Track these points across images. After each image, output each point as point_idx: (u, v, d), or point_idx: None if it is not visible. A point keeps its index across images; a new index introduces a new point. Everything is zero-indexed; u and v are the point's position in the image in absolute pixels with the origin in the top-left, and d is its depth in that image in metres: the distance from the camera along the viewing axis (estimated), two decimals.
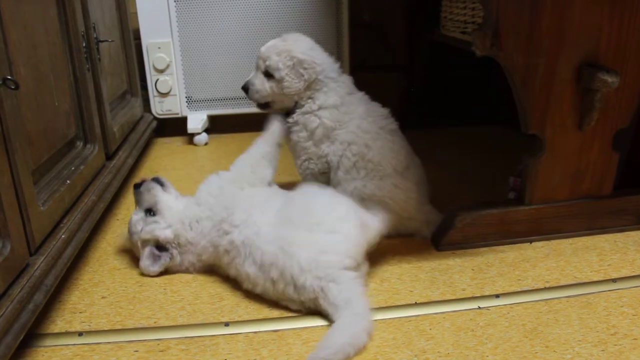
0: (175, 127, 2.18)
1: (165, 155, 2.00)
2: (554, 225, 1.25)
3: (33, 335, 0.96)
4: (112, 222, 1.42)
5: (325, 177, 1.32)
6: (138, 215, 1.17)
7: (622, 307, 1.00)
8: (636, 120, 1.26)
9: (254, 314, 1.02)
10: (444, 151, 1.88)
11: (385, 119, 1.29)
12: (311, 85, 1.26)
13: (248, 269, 1.04)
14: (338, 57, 1.35)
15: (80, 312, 1.04)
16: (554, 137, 1.19)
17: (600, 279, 1.10)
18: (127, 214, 1.45)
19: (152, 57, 2.02)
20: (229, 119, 2.20)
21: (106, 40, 1.52)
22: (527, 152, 1.23)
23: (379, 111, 1.30)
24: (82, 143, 1.30)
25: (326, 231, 1.02)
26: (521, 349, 0.89)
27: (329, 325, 0.96)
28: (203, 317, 1.01)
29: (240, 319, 1.00)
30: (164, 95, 2.07)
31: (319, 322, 0.98)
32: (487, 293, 1.06)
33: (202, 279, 1.14)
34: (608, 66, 1.12)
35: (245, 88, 1.32)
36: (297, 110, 1.29)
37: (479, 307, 1.02)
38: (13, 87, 0.86)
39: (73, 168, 1.19)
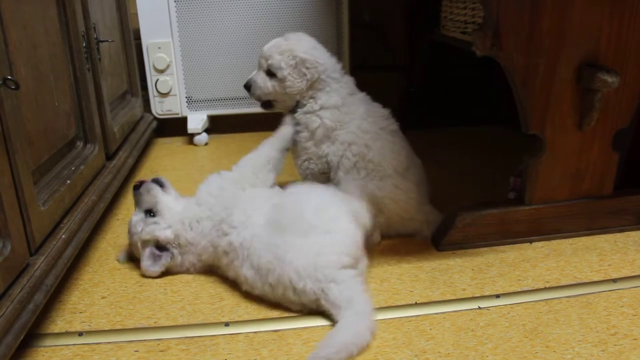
0: (175, 127, 2.18)
1: (165, 156, 2.00)
2: (554, 225, 1.25)
3: (33, 335, 0.96)
4: (112, 222, 1.42)
5: (325, 177, 1.32)
6: (138, 216, 1.17)
7: (622, 307, 1.00)
8: (636, 120, 1.26)
9: (254, 314, 1.02)
10: (444, 151, 1.88)
11: (386, 120, 1.29)
12: (313, 85, 1.26)
13: (246, 272, 1.04)
14: (338, 57, 1.35)
15: (80, 312, 1.04)
16: (554, 137, 1.19)
17: (601, 279, 1.10)
18: (127, 214, 1.45)
19: (152, 57, 2.02)
20: (229, 119, 2.20)
21: (106, 41, 1.52)
22: (527, 152, 1.23)
23: (380, 112, 1.30)
24: (82, 143, 1.30)
25: (320, 233, 1.01)
26: (521, 349, 0.89)
27: (330, 325, 0.96)
28: (203, 317, 1.01)
29: (240, 319, 1.00)
30: (164, 95, 2.07)
31: (320, 322, 0.98)
32: (487, 293, 1.06)
33: (202, 279, 1.14)
34: (608, 66, 1.12)
35: (248, 86, 1.32)
36: (299, 110, 1.29)
37: (479, 307, 1.02)
38: (13, 87, 0.86)
39: (73, 168, 1.19)
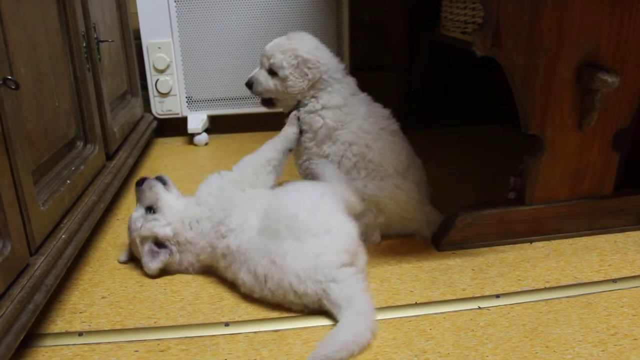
0: (175, 127, 2.18)
1: (165, 156, 2.00)
2: (554, 225, 1.25)
3: (33, 335, 0.96)
4: (112, 222, 1.42)
5: None
6: (138, 213, 1.17)
7: (622, 307, 1.00)
8: (636, 120, 1.26)
9: (254, 314, 1.02)
10: (444, 151, 1.88)
11: (387, 120, 1.29)
12: (315, 85, 1.26)
13: (244, 276, 1.04)
14: (338, 57, 1.34)
15: (80, 312, 1.04)
16: (554, 137, 1.19)
17: (601, 279, 1.10)
18: (127, 214, 1.45)
19: (153, 57, 2.02)
20: (229, 119, 2.20)
21: (106, 41, 1.52)
22: (527, 152, 1.23)
23: (381, 112, 1.30)
24: (82, 143, 1.30)
25: (316, 234, 1.01)
26: (521, 349, 0.89)
27: (330, 325, 0.96)
28: (203, 317, 1.01)
29: (240, 319, 1.00)
30: (164, 95, 2.07)
31: (319, 322, 0.98)
32: (487, 293, 1.06)
33: (202, 279, 1.14)
34: (608, 66, 1.12)
35: (249, 84, 1.32)
36: (301, 109, 1.29)
37: (479, 307, 1.02)
38: (13, 87, 0.86)
39: (73, 168, 1.19)
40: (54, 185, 1.07)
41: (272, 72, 1.28)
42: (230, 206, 1.10)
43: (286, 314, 1.01)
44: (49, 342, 0.95)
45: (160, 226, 1.14)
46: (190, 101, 2.11)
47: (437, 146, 1.92)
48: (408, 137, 1.31)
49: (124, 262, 1.21)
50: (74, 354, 0.92)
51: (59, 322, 1.01)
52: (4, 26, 0.89)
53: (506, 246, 1.24)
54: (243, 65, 2.05)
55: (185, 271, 1.16)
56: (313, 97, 1.27)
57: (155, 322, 1.00)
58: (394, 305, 1.03)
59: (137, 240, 1.15)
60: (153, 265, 1.13)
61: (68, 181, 1.12)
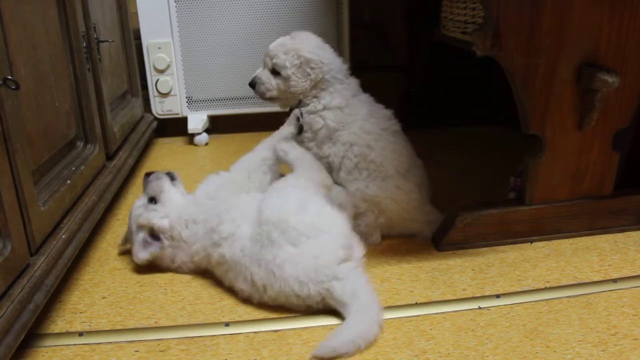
0: (175, 127, 2.18)
1: (165, 156, 2.00)
2: (555, 225, 1.25)
3: (33, 335, 0.96)
4: (112, 222, 1.42)
5: None
6: (141, 201, 1.18)
7: (622, 307, 1.00)
8: (636, 120, 1.26)
9: (254, 314, 1.02)
10: (444, 151, 1.88)
11: (388, 121, 1.29)
12: (317, 85, 1.26)
13: (241, 285, 1.04)
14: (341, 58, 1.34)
15: (80, 312, 1.04)
16: (554, 137, 1.19)
17: (601, 279, 1.10)
18: (128, 214, 1.45)
19: (153, 57, 2.02)
20: (229, 119, 2.20)
21: (107, 41, 1.52)
22: (527, 152, 1.23)
23: (382, 112, 1.30)
24: (82, 143, 1.30)
25: (310, 236, 1.00)
26: (522, 349, 0.89)
27: (331, 325, 0.97)
28: (203, 317, 1.01)
29: (240, 319, 1.00)
30: (164, 95, 2.07)
31: (320, 322, 0.98)
32: (487, 293, 1.06)
33: (202, 279, 1.14)
34: (608, 66, 1.12)
35: (252, 84, 1.31)
36: (302, 109, 1.29)
37: (480, 307, 1.02)
38: (13, 87, 0.86)
39: (73, 168, 1.19)
40: (54, 186, 1.07)
41: (274, 72, 1.28)
42: (224, 212, 1.09)
43: (286, 314, 1.01)
44: (49, 342, 0.95)
45: (158, 217, 1.14)
46: (190, 101, 2.12)
47: (437, 146, 1.92)
48: (408, 137, 1.31)
49: (122, 245, 1.24)
50: (74, 354, 0.92)
51: (59, 322, 1.01)
52: (4, 26, 0.89)
53: (506, 246, 1.24)
54: (243, 65, 2.05)
55: (178, 269, 1.15)
56: (315, 97, 1.27)
57: (155, 322, 1.00)
58: (394, 305, 1.03)
59: (133, 227, 1.16)
60: (142, 255, 1.14)
61: (68, 181, 1.12)
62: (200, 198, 1.16)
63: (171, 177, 1.22)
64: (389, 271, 1.15)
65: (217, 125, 2.23)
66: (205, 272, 1.15)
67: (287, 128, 1.28)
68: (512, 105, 1.18)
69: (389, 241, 1.26)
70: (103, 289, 1.12)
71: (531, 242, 1.25)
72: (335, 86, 1.27)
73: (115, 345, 0.94)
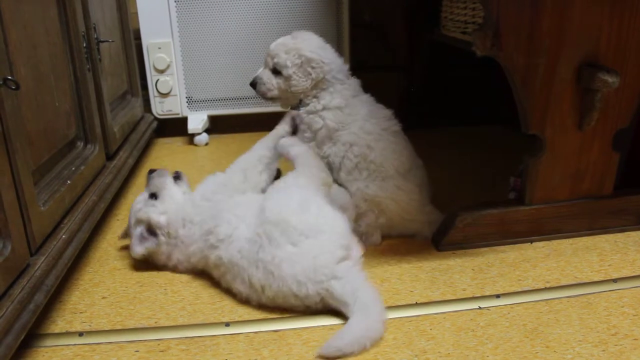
0: (175, 127, 2.18)
1: (165, 156, 2.00)
2: (555, 225, 1.25)
3: (34, 335, 0.96)
4: (112, 223, 1.42)
5: None
6: (142, 197, 1.19)
7: (622, 307, 1.00)
8: (636, 120, 1.26)
9: (254, 314, 1.02)
10: (444, 151, 1.88)
11: (389, 121, 1.29)
12: (318, 84, 1.26)
13: (239, 287, 1.03)
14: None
15: (80, 312, 1.04)
16: (554, 137, 1.19)
17: (601, 279, 1.10)
18: (128, 214, 1.45)
19: (153, 58, 2.02)
20: (229, 119, 2.20)
21: (107, 41, 1.52)
22: (527, 152, 1.23)
23: (383, 113, 1.30)
24: (82, 143, 1.30)
25: (309, 236, 1.00)
26: (522, 349, 0.89)
27: (331, 325, 0.97)
28: (204, 317, 1.01)
29: (240, 319, 1.00)
30: (164, 95, 2.07)
31: (320, 322, 0.98)
32: (487, 293, 1.06)
33: (202, 279, 1.13)
34: (608, 66, 1.12)
35: (253, 84, 1.31)
36: (302, 109, 1.29)
37: (480, 307, 1.02)
38: (13, 87, 0.86)
39: (73, 168, 1.19)
40: (54, 186, 1.07)
41: (275, 72, 1.28)
42: (220, 214, 1.09)
43: (286, 314, 1.01)
44: (49, 342, 0.95)
45: (156, 213, 1.15)
46: (190, 101, 2.12)
47: (437, 146, 1.92)
48: (408, 137, 1.31)
49: (121, 239, 1.25)
50: (74, 354, 0.92)
51: (60, 322, 1.01)
52: (4, 26, 0.89)
53: (506, 246, 1.24)
54: (243, 65, 2.05)
55: (175, 268, 1.16)
56: (315, 97, 1.27)
57: (155, 322, 1.00)
58: (394, 305, 1.03)
59: (132, 222, 1.16)
60: (138, 249, 1.14)
61: (68, 181, 1.12)
62: (197, 199, 1.16)
63: (177, 176, 1.24)
64: (389, 271, 1.15)
65: (217, 125, 2.23)
66: (204, 273, 1.15)
67: (282, 126, 1.28)
68: (512, 105, 1.18)
69: (389, 241, 1.26)
70: (103, 289, 1.12)
71: (531, 242, 1.25)
72: (336, 86, 1.27)
73: (116, 345, 0.94)
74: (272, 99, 1.33)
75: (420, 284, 1.10)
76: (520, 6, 1.07)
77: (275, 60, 1.26)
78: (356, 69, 1.35)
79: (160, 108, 2.09)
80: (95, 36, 1.41)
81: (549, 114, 1.16)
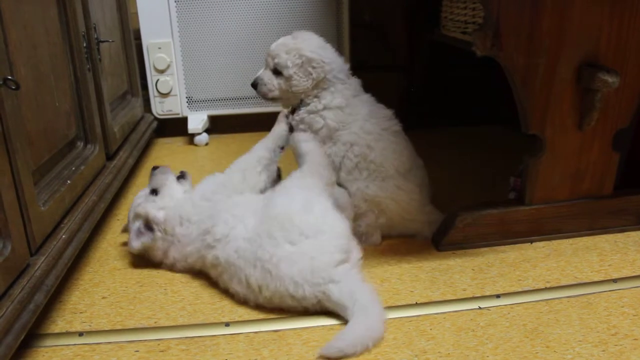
0: (175, 127, 2.18)
1: (165, 156, 2.00)
2: (555, 225, 1.25)
3: (34, 335, 0.96)
4: (112, 223, 1.42)
5: None
6: (143, 192, 1.20)
7: (622, 307, 1.00)
8: (636, 120, 1.26)
9: (254, 314, 1.02)
10: (444, 151, 1.88)
11: (389, 121, 1.29)
12: (319, 84, 1.26)
13: (236, 287, 1.03)
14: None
15: (80, 312, 1.04)
16: (554, 137, 1.19)
17: (601, 279, 1.10)
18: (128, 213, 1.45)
19: (153, 58, 2.02)
20: (229, 119, 2.20)
21: (107, 41, 1.52)
22: (527, 152, 1.23)
23: (383, 113, 1.30)
24: (82, 143, 1.30)
25: (310, 236, 1.00)
26: (522, 349, 0.89)
27: (331, 325, 0.97)
28: (204, 317, 1.01)
29: (240, 319, 1.00)
30: (164, 95, 2.07)
31: (320, 322, 0.98)
32: (487, 293, 1.06)
33: (202, 279, 1.13)
34: (608, 66, 1.12)
35: (254, 84, 1.31)
36: (302, 108, 1.29)
37: (480, 307, 1.02)
38: (13, 87, 0.86)
39: (74, 168, 1.19)
40: (55, 186, 1.07)
41: (276, 72, 1.28)
42: (217, 213, 1.10)
43: (286, 314, 1.01)
44: (49, 342, 0.95)
45: (155, 208, 1.16)
46: (190, 101, 2.12)
47: (437, 146, 1.92)
48: (408, 137, 1.31)
49: (122, 233, 1.26)
50: (74, 354, 0.92)
51: (60, 322, 1.01)
52: (4, 26, 0.89)
53: (506, 246, 1.24)
54: (243, 65, 2.05)
55: (173, 267, 1.16)
56: (315, 96, 1.27)
57: (155, 322, 1.00)
58: (394, 305, 1.03)
59: (131, 216, 1.17)
60: (134, 244, 1.15)
61: (68, 181, 1.12)
62: (196, 199, 1.16)
63: (182, 175, 1.25)
64: (389, 271, 1.15)
65: (217, 125, 2.23)
66: (203, 273, 1.15)
67: (280, 126, 1.27)
68: (512, 105, 1.18)
69: (389, 241, 1.26)
70: (103, 289, 1.12)
71: (531, 242, 1.25)
72: (337, 86, 1.27)
73: (116, 345, 0.94)
74: (273, 100, 1.32)
75: (421, 284, 1.10)
76: (520, 6, 1.07)
77: (276, 60, 1.26)
78: (356, 69, 1.35)
79: (161, 108, 2.09)
80: (96, 36, 1.41)
81: (549, 114, 1.16)
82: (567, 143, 1.20)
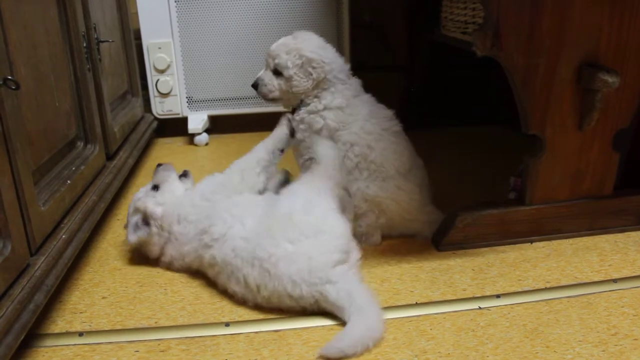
0: (175, 127, 2.18)
1: (165, 156, 2.00)
2: (555, 225, 1.25)
3: (34, 335, 0.96)
4: (112, 222, 1.42)
5: None
6: (145, 188, 1.21)
7: (622, 307, 1.00)
8: (636, 120, 1.26)
9: (254, 314, 1.02)
10: (444, 151, 1.88)
11: (390, 121, 1.29)
12: (319, 84, 1.26)
13: (234, 287, 1.03)
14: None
15: (80, 312, 1.04)
16: (554, 137, 1.19)
17: (601, 279, 1.10)
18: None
19: (153, 58, 2.02)
20: (229, 119, 2.20)
21: (107, 41, 1.52)
22: (527, 152, 1.23)
23: (384, 113, 1.30)
24: (82, 143, 1.30)
25: (309, 236, 1.00)
26: (522, 349, 0.89)
27: (331, 326, 0.97)
28: (204, 317, 1.01)
29: (240, 319, 1.00)
30: (164, 95, 2.07)
31: (320, 322, 0.98)
32: (487, 293, 1.06)
33: (202, 279, 1.13)
34: (608, 66, 1.12)
35: (255, 85, 1.31)
36: (303, 109, 1.29)
37: (480, 308, 1.02)
38: (14, 87, 0.86)
39: (74, 168, 1.19)
40: (55, 186, 1.07)
41: (277, 72, 1.28)
42: (215, 213, 1.10)
43: (286, 314, 1.01)
44: (49, 342, 0.95)
45: (153, 203, 1.17)
46: (190, 101, 2.12)
47: (437, 146, 1.92)
48: (408, 138, 1.31)
49: (125, 228, 1.26)
50: (74, 354, 0.92)
51: (60, 322, 1.01)
52: (4, 26, 0.89)
53: (506, 246, 1.24)
54: (243, 65, 2.05)
55: (170, 265, 1.16)
56: (316, 97, 1.27)
57: (155, 322, 1.00)
58: (394, 305, 1.03)
59: (130, 210, 1.18)
60: (131, 237, 1.16)
61: (68, 181, 1.12)
62: (196, 198, 1.16)
63: (184, 173, 1.27)
64: (389, 271, 1.15)
65: (217, 125, 2.23)
66: (201, 273, 1.15)
67: (281, 129, 1.27)
68: (512, 105, 1.18)
69: (389, 241, 1.26)
70: (103, 289, 1.12)
71: (531, 242, 1.25)
72: (337, 86, 1.27)
73: (116, 345, 0.94)
74: (274, 100, 1.32)
75: (421, 284, 1.10)
76: (520, 6, 1.07)
77: (276, 61, 1.26)
78: (356, 69, 1.35)
79: (161, 108, 2.09)
80: (96, 36, 1.41)
81: (549, 114, 1.16)
82: (567, 143, 1.20)
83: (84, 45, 1.30)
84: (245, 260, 1.01)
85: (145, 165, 1.88)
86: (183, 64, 2.06)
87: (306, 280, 0.97)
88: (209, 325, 0.99)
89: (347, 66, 1.31)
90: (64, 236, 1.03)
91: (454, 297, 1.05)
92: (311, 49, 1.25)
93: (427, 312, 1.00)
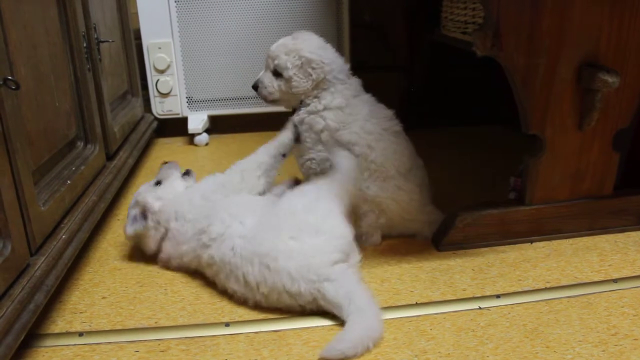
0: (175, 127, 2.18)
1: (165, 156, 2.00)
2: (555, 225, 1.25)
3: (34, 335, 0.96)
4: (112, 223, 1.42)
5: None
6: (148, 183, 1.23)
7: (622, 307, 1.00)
8: (636, 120, 1.26)
9: (254, 314, 1.02)
10: (444, 151, 1.88)
11: (390, 121, 1.29)
12: (319, 85, 1.26)
13: (233, 286, 1.03)
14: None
15: (80, 313, 1.04)
16: (554, 137, 1.19)
17: (601, 279, 1.10)
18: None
19: (153, 58, 2.02)
20: (229, 119, 2.20)
21: (107, 41, 1.52)
22: (527, 152, 1.23)
23: (384, 113, 1.30)
24: (82, 143, 1.30)
25: (310, 234, 1.01)
26: (522, 349, 0.89)
27: (331, 326, 0.96)
28: (204, 317, 1.01)
29: (240, 319, 1.00)
30: (164, 95, 2.07)
31: (320, 322, 0.98)
32: (487, 293, 1.06)
33: (202, 279, 1.13)
34: (608, 66, 1.12)
35: (255, 86, 1.31)
36: (302, 109, 1.28)
37: (480, 308, 1.02)
38: (13, 87, 0.86)
39: (74, 168, 1.19)
40: (55, 186, 1.07)
41: (276, 73, 1.28)
42: (213, 213, 1.10)
43: (286, 314, 1.01)
44: (49, 342, 0.95)
45: (153, 197, 1.18)
46: (190, 101, 2.12)
47: (437, 146, 1.92)
48: (408, 137, 1.31)
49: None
50: (74, 354, 0.92)
51: (60, 323, 1.01)
52: (4, 26, 0.89)
53: (506, 246, 1.24)
54: (243, 65, 2.05)
55: (167, 263, 1.16)
56: (315, 97, 1.27)
57: (155, 323, 1.00)
58: (394, 305, 1.03)
59: (132, 204, 1.19)
60: (128, 229, 1.18)
61: (68, 181, 1.12)
62: (196, 198, 1.16)
63: (187, 172, 1.28)
64: (389, 271, 1.15)
65: (217, 125, 2.23)
66: (199, 273, 1.14)
67: (286, 134, 1.27)
68: (512, 105, 1.18)
69: (389, 241, 1.26)
70: (103, 289, 1.12)
71: (531, 242, 1.25)
72: (337, 86, 1.27)
73: (116, 345, 0.94)
74: (274, 102, 1.33)
75: (421, 284, 1.10)
76: (520, 6, 1.07)
77: (276, 62, 1.26)
78: (356, 69, 1.35)
79: (161, 108, 2.09)
80: (96, 36, 1.41)
81: (549, 114, 1.16)
82: (567, 143, 1.20)
83: (84, 45, 1.30)
84: (245, 258, 1.01)
85: (146, 166, 1.88)
86: (183, 64, 2.06)
87: (304, 277, 0.97)
88: (209, 326, 0.99)
89: (347, 66, 1.31)
90: (64, 236, 1.03)
91: (454, 297, 1.05)
92: (310, 50, 1.24)
93: (427, 312, 1.00)
